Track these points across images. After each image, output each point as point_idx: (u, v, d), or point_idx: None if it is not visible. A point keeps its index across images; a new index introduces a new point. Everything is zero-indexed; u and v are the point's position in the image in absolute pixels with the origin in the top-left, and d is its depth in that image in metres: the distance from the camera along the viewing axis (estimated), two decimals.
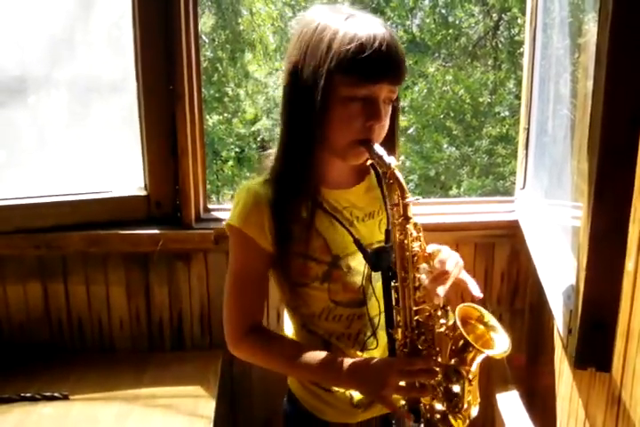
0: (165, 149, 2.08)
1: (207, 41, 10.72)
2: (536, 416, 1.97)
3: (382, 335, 1.46)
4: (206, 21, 10.62)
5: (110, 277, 2.11)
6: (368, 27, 1.29)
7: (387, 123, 1.36)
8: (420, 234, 1.33)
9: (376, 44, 1.26)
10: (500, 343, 1.39)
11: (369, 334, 1.49)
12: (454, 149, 10.81)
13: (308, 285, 1.43)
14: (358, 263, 1.44)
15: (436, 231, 2.16)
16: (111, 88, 2.14)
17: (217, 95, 11.03)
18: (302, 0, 11.08)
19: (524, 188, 2.35)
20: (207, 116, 10.36)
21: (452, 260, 1.35)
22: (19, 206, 2.03)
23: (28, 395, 1.84)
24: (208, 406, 1.83)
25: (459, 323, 1.32)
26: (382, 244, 1.45)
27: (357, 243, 1.41)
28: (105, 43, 2.10)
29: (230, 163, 11.02)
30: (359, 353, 1.47)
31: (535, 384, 2.28)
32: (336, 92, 1.30)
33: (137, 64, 2.03)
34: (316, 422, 1.52)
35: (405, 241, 1.30)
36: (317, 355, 1.39)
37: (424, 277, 1.31)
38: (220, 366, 2.04)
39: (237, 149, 11.20)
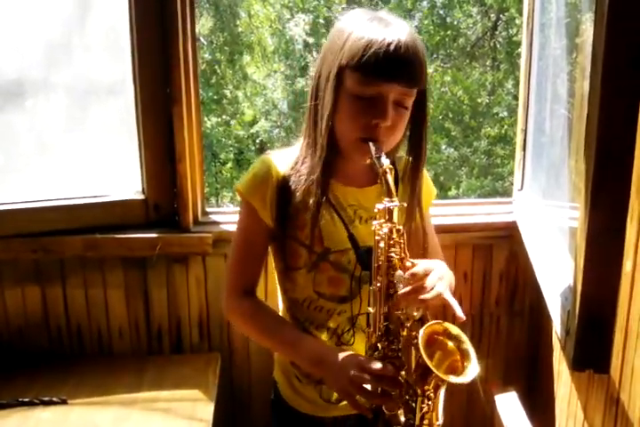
0: (163, 152, 2.08)
1: (205, 43, 10.73)
2: (535, 418, 1.97)
3: (360, 335, 1.49)
4: (204, 23, 10.64)
5: (108, 280, 2.11)
6: (387, 28, 1.30)
7: (400, 125, 1.37)
8: (402, 240, 1.31)
9: (387, 43, 1.27)
10: (471, 367, 1.26)
11: (347, 330, 1.52)
12: (453, 149, 10.84)
13: (297, 270, 1.48)
14: (348, 261, 1.47)
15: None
16: (109, 91, 2.13)
17: (215, 97, 11.05)
18: (300, 2, 11.10)
19: (521, 189, 2.35)
20: (205, 119, 10.38)
21: (434, 275, 1.30)
22: (16, 211, 2.02)
23: (27, 400, 1.83)
24: (207, 409, 1.82)
25: (422, 350, 1.22)
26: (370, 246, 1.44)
27: (352, 239, 1.45)
28: (102, 46, 2.09)
29: (229, 165, 11.04)
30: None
31: (534, 385, 2.28)
32: (345, 88, 1.33)
33: (134, 67, 2.03)
34: (294, 413, 1.58)
35: (381, 244, 1.30)
36: (294, 332, 1.47)
37: (401, 286, 1.28)
38: (218, 369, 2.04)
39: (236, 152, 11.21)
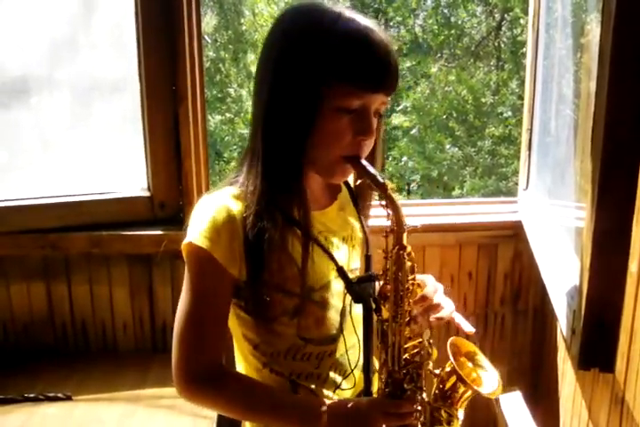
0: (168, 150, 2.08)
1: (210, 41, 10.73)
2: (539, 417, 1.97)
3: (358, 374, 1.32)
4: (209, 22, 10.65)
5: (114, 277, 2.11)
6: (364, 29, 1.14)
7: (375, 136, 1.22)
8: (415, 264, 1.20)
9: (375, 49, 1.13)
10: (490, 382, 1.28)
11: (342, 373, 1.33)
12: (457, 149, 10.83)
13: (275, 320, 1.24)
14: (334, 295, 1.29)
15: (438, 232, 2.17)
16: (114, 89, 2.14)
17: (219, 95, 11.06)
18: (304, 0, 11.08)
19: (526, 188, 2.35)
20: (210, 117, 10.38)
21: (440, 292, 1.25)
22: (22, 207, 2.03)
23: (32, 395, 1.84)
24: None
25: (451, 358, 1.24)
26: (356, 271, 1.34)
27: (341, 271, 1.25)
28: (107, 43, 2.10)
29: (233, 163, 11.02)
30: (330, 394, 1.31)
31: (538, 385, 2.28)
32: (327, 102, 1.14)
33: (139, 65, 2.03)
34: None
35: (400, 273, 1.17)
36: (293, 399, 1.26)
37: (415, 311, 1.20)
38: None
39: (240, 150, 11.21)
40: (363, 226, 1.36)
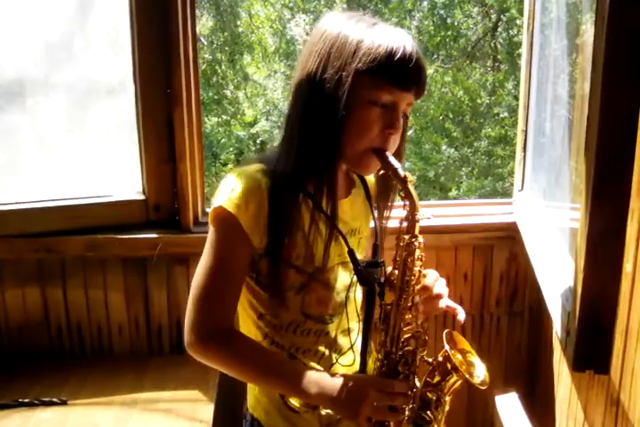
0: (163, 153, 2.08)
1: (206, 43, 10.72)
2: (535, 418, 1.97)
3: (354, 355, 1.43)
4: (205, 24, 10.64)
5: (109, 281, 2.11)
6: (397, 35, 1.27)
7: (399, 135, 1.33)
8: (423, 254, 1.30)
9: (407, 50, 1.24)
10: (478, 374, 1.37)
11: (338, 351, 1.42)
12: (453, 150, 10.83)
13: (282, 293, 1.33)
14: (338, 278, 1.39)
15: (434, 234, 2.17)
16: (109, 91, 2.13)
17: (216, 97, 11.05)
18: (301, 2, 11.10)
19: (522, 189, 2.35)
20: (206, 119, 10.38)
21: (441, 283, 1.34)
22: (17, 211, 2.02)
23: (27, 400, 1.83)
24: (207, 409, 1.82)
25: (446, 346, 1.32)
26: (369, 260, 1.41)
27: (351, 254, 1.36)
28: (103, 46, 2.10)
29: (229, 165, 11.02)
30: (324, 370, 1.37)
31: (534, 386, 2.28)
32: (360, 94, 1.25)
33: (135, 67, 2.03)
34: None
35: (409, 259, 1.28)
36: (294, 365, 1.34)
37: (417, 298, 1.30)
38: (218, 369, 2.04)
39: (236, 152, 11.21)
40: (374, 217, 1.46)
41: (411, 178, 1.26)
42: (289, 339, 1.38)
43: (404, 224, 1.29)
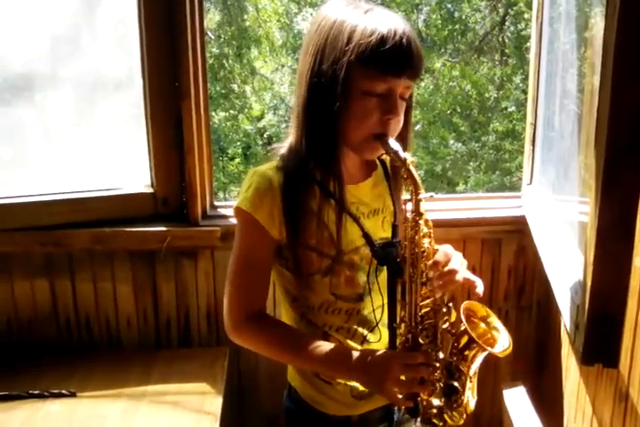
0: (171, 146, 2.08)
1: (213, 37, 10.72)
2: (543, 412, 1.97)
3: (383, 330, 1.48)
4: (212, 18, 10.63)
5: (117, 274, 2.12)
6: (388, 20, 1.29)
7: (402, 118, 1.37)
8: (431, 230, 1.35)
9: (397, 37, 1.26)
10: (502, 342, 1.40)
11: (369, 328, 1.49)
12: (461, 144, 10.80)
13: (310, 277, 1.43)
14: (362, 258, 1.45)
15: (442, 227, 2.16)
16: (117, 85, 2.14)
17: (223, 92, 11.05)
18: None
19: (530, 183, 2.34)
20: (213, 113, 10.38)
21: (456, 258, 1.35)
22: (25, 204, 2.03)
23: (36, 392, 1.85)
24: (215, 402, 1.83)
25: (463, 319, 1.35)
26: (385, 241, 1.46)
27: (366, 236, 1.42)
28: (110, 40, 2.10)
29: (237, 160, 11.04)
30: (358, 346, 1.46)
31: (542, 380, 2.28)
32: (355, 85, 1.30)
33: (142, 61, 2.03)
34: (317, 415, 1.52)
35: (416, 237, 1.32)
36: (320, 345, 1.39)
37: (431, 274, 1.32)
38: (226, 362, 2.05)
39: (244, 146, 11.21)
40: (393, 199, 1.52)
41: (411, 159, 1.31)
42: (322, 318, 1.47)
43: (407, 203, 1.35)
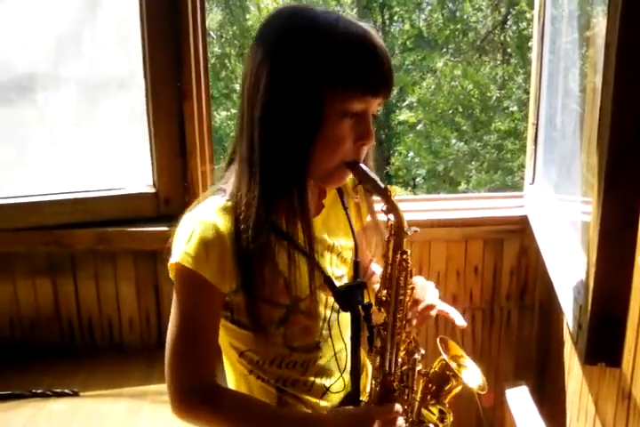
0: (174, 146, 2.08)
1: (215, 37, 10.73)
2: (546, 412, 1.97)
3: (347, 378, 1.32)
4: (214, 17, 10.65)
5: (119, 274, 2.12)
6: (364, 32, 1.12)
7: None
8: (412, 269, 1.20)
9: (378, 53, 1.12)
10: (474, 379, 1.34)
11: (328, 376, 1.32)
12: (463, 144, 10.81)
13: (262, 330, 1.21)
14: (320, 303, 1.26)
15: (444, 227, 2.17)
16: (119, 85, 2.14)
17: (225, 91, 11.06)
18: None
19: (533, 183, 2.34)
20: (216, 113, 10.38)
21: (431, 291, 1.29)
22: (28, 204, 2.03)
23: (39, 391, 1.85)
24: None
25: (443, 353, 1.30)
26: (343, 278, 1.32)
27: (328, 281, 1.25)
28: (113, 40, 2.10)
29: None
30: (317, 400, 1.30)
31: (545, 380, 2.28)
32: (330, 106, 1.11)
33: (145, 61, 2.04)
34: None
35: (401, 278, 1.18)
36: (287, 416, 1.23)
37: (410, 314, 1.23)
38: None
39: None
40: (353, 233, 1.34)
41: (391, 188, 1.14)
42: (274, 374, 1.28)
43: (391, 241, 1.17)
